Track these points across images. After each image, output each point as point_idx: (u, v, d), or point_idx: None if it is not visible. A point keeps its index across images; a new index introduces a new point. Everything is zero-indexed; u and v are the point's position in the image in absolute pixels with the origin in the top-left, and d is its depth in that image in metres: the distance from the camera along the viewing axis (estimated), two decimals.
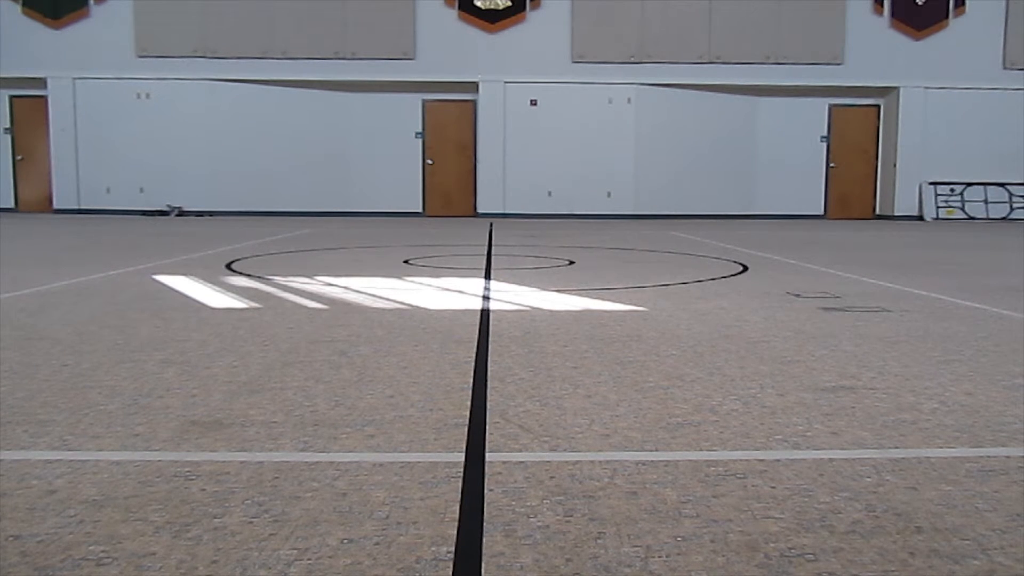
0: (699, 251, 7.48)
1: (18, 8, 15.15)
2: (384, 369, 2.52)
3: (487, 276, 5.27)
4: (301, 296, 4.25)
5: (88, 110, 15.25)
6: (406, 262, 6.27)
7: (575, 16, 15.15)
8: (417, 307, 3.90)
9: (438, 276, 5.28)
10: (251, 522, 1.36)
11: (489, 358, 2.69)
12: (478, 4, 15.15)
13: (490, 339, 3.03)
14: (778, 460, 1.70)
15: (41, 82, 15.26)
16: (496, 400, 2.16)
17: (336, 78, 14.96)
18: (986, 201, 15.81)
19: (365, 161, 15.51)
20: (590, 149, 15.28)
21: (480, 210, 15.50)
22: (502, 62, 15.15)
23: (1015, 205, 15.78)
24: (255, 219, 14.03)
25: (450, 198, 15.69)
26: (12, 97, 15.72)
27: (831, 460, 1.70)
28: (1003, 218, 15.69)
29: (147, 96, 15.23)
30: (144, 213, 14.87)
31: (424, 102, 15.51)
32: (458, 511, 1.42)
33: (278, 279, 5.01)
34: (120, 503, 1.44)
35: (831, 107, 16.00)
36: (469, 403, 2.13)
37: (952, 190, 15.77)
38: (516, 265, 6.13)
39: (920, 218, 15.73)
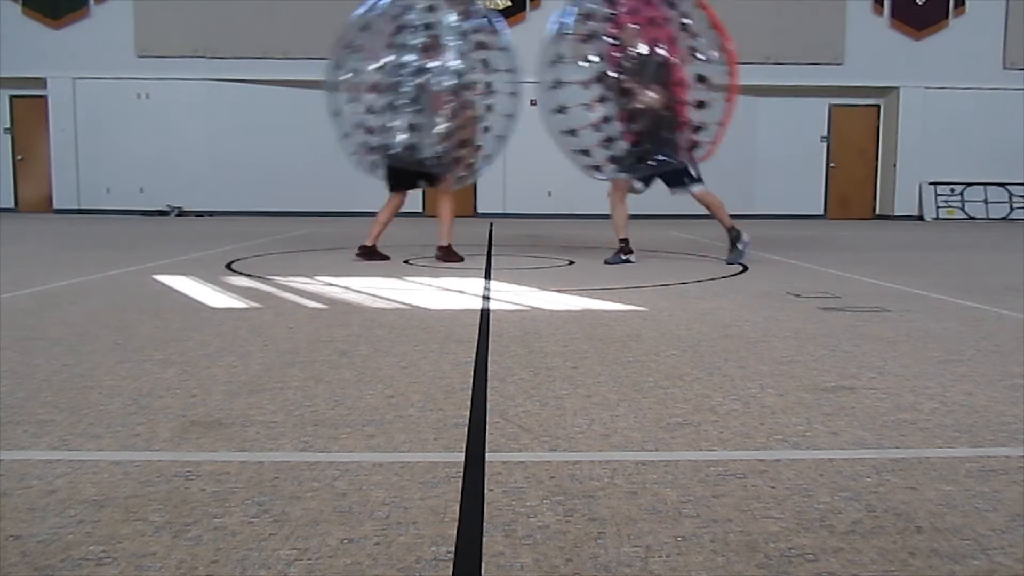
0: (699, 251, 7.48)
1: (18, 8, 15.15)
2: (384, 369, 2.52)
3: (487, 276, 5.27)
4: (301, 296, 4.25)
5: (88, 110, 15.25)
6: (406, 262, 6.27)
7: None
8: (417, 307, 3.90)
9: (438, 276, 5.28)
10: (251, 522, 1.36)
11: (489, 358, 2.69)
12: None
13: (490, 339, 3.03)
14: (778, 460, 1.70)
15: (41, 82, 15.27)
16: (496, 400, 2.16)
17: None
18: (986, 201, 15.81)
19: None
20: None
21: (480, 210, 15.50)
22: None
23: (1015, 205, 15.78)
24: (255, 219, 14.03)
25: None
26: (12, 97, 15.73)
27: (831, 460, 1.70)
28: (1003, 218, 15.69)
29: (147, 96, 15.23)
30: (144, 213, 14.87)
31: None
32: (458, 511, 1.42)
33: (278, 279, 5.01)
34: (120, 503, 1.44)
35: (831, 107, 16.00)
36: (469, 403, 2.13)
37: (952, 190, 15.77)
38: (516, 265, 6.13)
39: (920, 218, 15.73)
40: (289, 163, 15.24)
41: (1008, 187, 15.73)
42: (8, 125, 15.82)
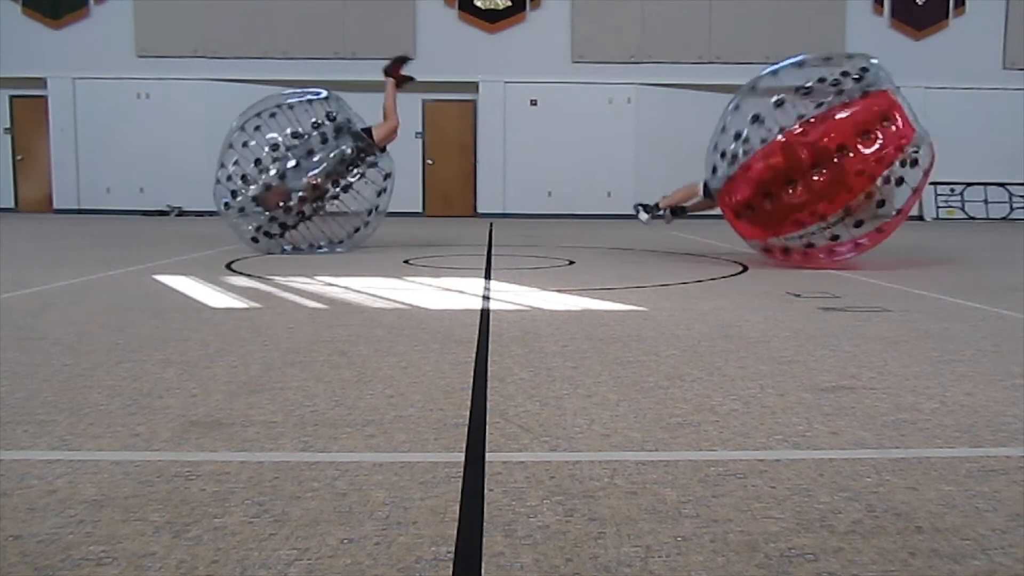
0: (699, 251, 7.48)
1: (18, 8, 15.15)
2: (384, 369, 2.52)
3: (487, 276, 5.27)
4: (301, 296, 4.25)
5: (88, 110, 15.25)
6: (406, 262, 6.27)
7: (575, 16, 15.15)
8: (417, 307, 3.90)
9: (438, 276, 5.28)
10: (251, 522, 1.36)
11: (489, 358, 2.69)
12: (478, 4, 15.15)
13: (490, 339, 3.03)
14: (778, 460, 1.70)
15: (41, 82, 15.26)
16: (496, 400, 2.16)
17: (336, 78, 14.93)
18: (986, 201, 15.81)
19: None
20: (590, 149, 15.28)
21: (480, 210, 15.50)
22: (502, 62, 15.15)
23: (1015, 205, 15.78)
24: None
25: (450, 198, 15.69)
26: (12, 97, 15.72)
27: (831, 460, 1.70)
28: (1003, 218, 15.69)
29: (147, 96, 15.23)
30: (144, 213, 14.87)
31: (424, 102, 15.50)
32: (458, 511, 1.42)
33: (278, 279, 5.01)
34: (120, 503, 1.44)
35: None
36: (469, 403, 2.13)
37: (952, 190, 15.77)
38: (516, 265, 6.13)
39: (920, 218, 15.72)
40: None
41: (1008, 187, 15.73)
42: (8, 125, 15.81)
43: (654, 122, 15.23)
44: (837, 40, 15.26)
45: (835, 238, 5.53)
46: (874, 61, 5.79)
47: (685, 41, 15.18)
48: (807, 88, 5.70)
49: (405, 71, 7.42)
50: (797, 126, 5.56)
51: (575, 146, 15.25)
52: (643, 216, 6.66)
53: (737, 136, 5.80)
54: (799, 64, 5.90)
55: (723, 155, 5.89)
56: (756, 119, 5.74)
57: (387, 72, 7.35)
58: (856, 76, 5.68)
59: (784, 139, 5.53)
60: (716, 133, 6.00)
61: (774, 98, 5.74)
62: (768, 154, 5.56)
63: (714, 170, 5.97)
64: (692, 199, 6.39)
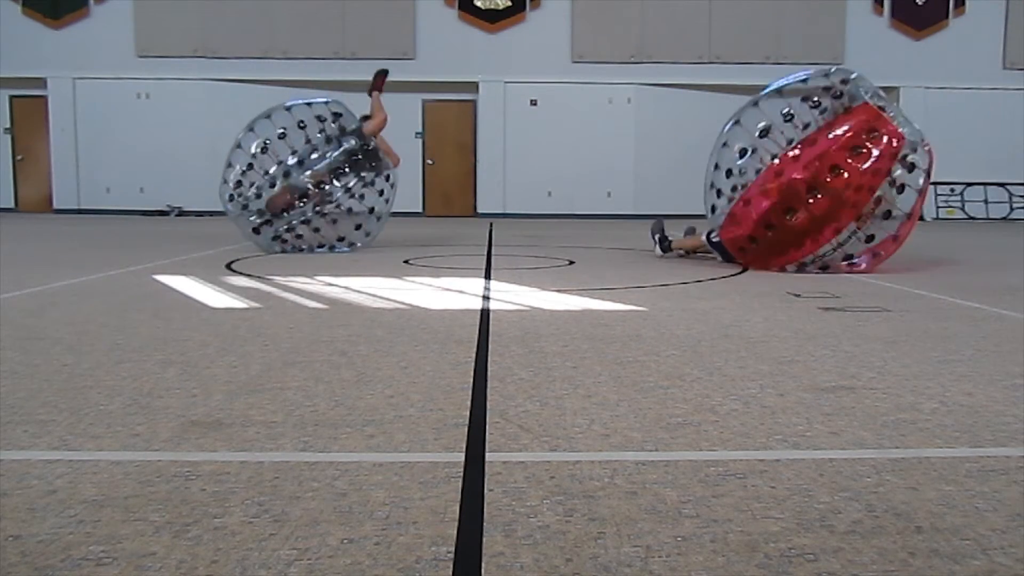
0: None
1: (18, 8, 15.15)
2: (384, 369, 2.52)
3: (487, 276, 5.27)
4: (301, 296, 4.25)
5: (88, 110, 15.24)
6: (406, 262, 6.27)
7: (575, 16, 15.14)
8: (417, 307, 3.90)
9: (438, 276, 5.28)
10: (251, 522, 1.36)
11: (489, 358, 2.69)
12: (478, 4, 15.15)
13: (490, 339, 3.03)
14: (778, 460, 1.70)
15: (41, 82, 15.26)
16: (496, 400, 2.16)
17: (336, 78, 14.94)
18: (986, 201, 15.80)
19: None
20: (590, 149, 15.27)
21: (480, 210, 15.49)
22: (502, 62, 15.14)
23: (1015, 205, 15.77)
24: None
25: (450, 198, 15.68)
26: (12, 97, 15.71)
27: (831, 460, 1.70)
28: (1003, 218, 15.69)
29: (147, 96, 15.22)
30: (144, 213, 14.86)
31: (424, 102, 15.49)
32: (458, 511, 1.42)
33: (278, 279, 5.01)
34: (120, 503, 1.44)
35: None
36: (469, 403, 2.13)
37: (952, 190, 15.76)
38: (516, 265, 6.13)
39: (920, 218, 15.73)
40: None
41: (1008, 187, 15.73)
42: (8, 125, 15.81)
43: (654, 122, 15.22)
44: (837, 40, 15.27)
45: (848, 258, 5.55)
46: (853, 76, 5.82)
47: (685, 41, 15.17)
48: (789, 114, 5.78)
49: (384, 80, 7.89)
50: (790, 150, 5.62)
51: (575, 146, 15.25)
52: (657, 250, 6.89)
53: (729, 173, 5.92)
54: (779, 91, 6.01)
55: (719, 194, 5.98)
56: (744, 152, 5.86)
57: (372, 90, 7.65)
58: (836, 93, 5.75)
59: (778, 163, 5.57)
60: (711, 163, 6.05)
61: (759, 126, 5.86)
62: (764, 183, 5.60)
63: (713, 209, 6.05)
64: (698, 247, 6.51)
